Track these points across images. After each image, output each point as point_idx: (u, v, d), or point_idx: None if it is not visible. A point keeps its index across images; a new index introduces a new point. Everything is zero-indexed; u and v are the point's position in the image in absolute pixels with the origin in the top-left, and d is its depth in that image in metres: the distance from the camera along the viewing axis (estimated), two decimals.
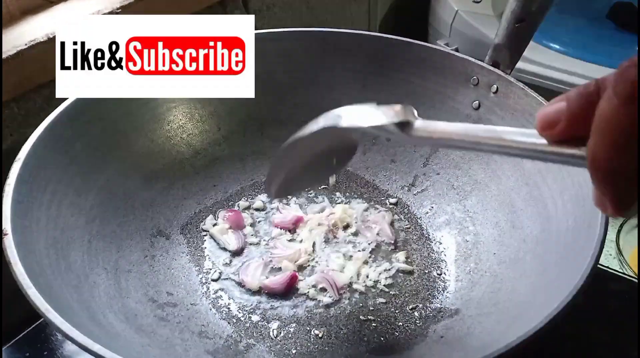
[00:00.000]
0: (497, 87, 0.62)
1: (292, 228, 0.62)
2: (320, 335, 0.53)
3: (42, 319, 0.53)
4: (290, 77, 0.70)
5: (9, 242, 0.43)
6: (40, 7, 0.71)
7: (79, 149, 0.57)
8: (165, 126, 0.66)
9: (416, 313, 0.54)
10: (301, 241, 0.61)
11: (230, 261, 0.60)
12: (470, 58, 0.64)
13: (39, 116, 0.62)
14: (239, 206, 0.66)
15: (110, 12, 0.70)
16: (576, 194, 0.51)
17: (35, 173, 0.51)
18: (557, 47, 1.10)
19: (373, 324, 0.54)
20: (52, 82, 0.69)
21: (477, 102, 0.64)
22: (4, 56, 0.61)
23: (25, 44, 0.64)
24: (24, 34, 0.65)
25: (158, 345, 0.48)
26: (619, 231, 0.74)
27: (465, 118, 0.65)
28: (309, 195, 0.67)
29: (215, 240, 0.62)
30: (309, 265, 0.59)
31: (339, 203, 0.66)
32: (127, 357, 0.37)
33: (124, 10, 0.71)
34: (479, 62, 0.64)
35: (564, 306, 0.39)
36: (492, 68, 0.63)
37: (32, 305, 0.39)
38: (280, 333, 0.53)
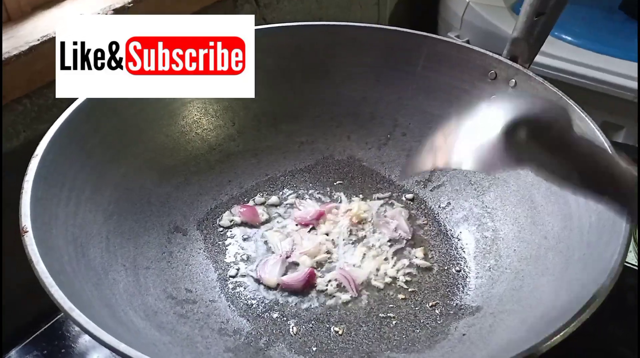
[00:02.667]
0: (516, 82, 0.61)
1: (314, 223, 0.62)
2: (340, 332, 0.52)
3: (57, 316, 0.54)
4: (303, 72, 0.69)
5: (30, 240, 0.43)
6: (51, 2, 0.70)
7: (95, 144, 0.56)
8: (180, 121, 0.66)
9: (436, 311, 0.54)
10: (321, 236, 0.61)
11: (248, 257, 0.59)
12: (488, 52, 0.64)
13: (52, 112, 0.62)
14: (254, 202, 0.65)
15: (122, 7, 0.69)
16: None
17: (53, 169, 0.50)
18: (570, 39, 1.08)
19: (393, 321, 0.53)
20: None
21: (494, 97, 0.63)
22: (16, 52, 0.61)
23: (37, 40, 0.63)
24: (36, 29, 0.65)
25: (179, 342, 0.48)
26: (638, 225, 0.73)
27: None
28: (324, 191, 0.67)
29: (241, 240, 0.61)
30: (327, 262, 0.59)
31: (356, 199, 0.65)
32: (152, 356, 0.37)
33: (135, 4, 0.70)
34: (497, 56, 0.63)
35: (593, 306, 0.39)
36: (510, 62, 0.62)
37: (56, 303, 0.39)
38: (300, 330, 0.53)
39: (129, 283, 0.51)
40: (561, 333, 0.37)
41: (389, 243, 0.60)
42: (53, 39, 0.64)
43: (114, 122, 0.59)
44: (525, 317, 0.47)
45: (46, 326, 0.58)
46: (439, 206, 0.64)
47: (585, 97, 1.02)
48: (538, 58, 1.05)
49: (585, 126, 0.54)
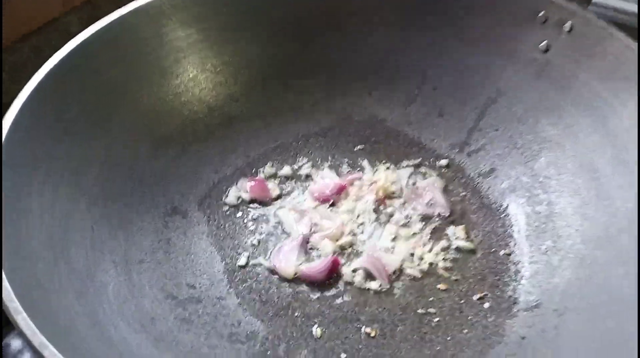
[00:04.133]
0: (572, 26, 0.52)
1: (334, 199, 0.53)
2: (372, 334, 0.45)
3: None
4: (317, 17, 0.59)
5: None
6: None
7: (74, 114, 0.48)
8: (174, 80, 0.57)
9: (486, 305, 0.46)
10: (343, 215, 0.52)
11: (259, 242, 0.51)
12: None
13: (26, 70, 0.53)
14: (263, 174, 0.56)
15: None
16: None
17: (22, 153, 0.43)
18: None
19: (435, 319, 0.45)
20: (41, 29, 0.60)
21: (545, 43, 0.53)
22: None
23: None
24: None
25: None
26: None
27: (531, 62, 0.54)
28: (344, 158, 0.57)
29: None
30: (352, 246, 0.50)
31: (381, 168, 0.56)
32: None
33: None
34: None
35: None
36: (564, 2, 0.52)
37: (23, 337, 0.30)
38: (325, 332, 0.45)
39: (120, 285, 0.43)
40: None
41: (423, 221, 0.52)
42: None
43: (96, 85, 0.50)
44: (601, 319, 0.39)
45: None
46: (480, 174, 0.55)
47: None
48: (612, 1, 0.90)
49: None
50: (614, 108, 0.49)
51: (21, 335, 0.31)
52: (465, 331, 0.44)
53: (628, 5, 0.88)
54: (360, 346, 0.44)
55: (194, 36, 0.56)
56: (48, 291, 0.36)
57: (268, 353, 0.43)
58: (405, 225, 0.52)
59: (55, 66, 0.46)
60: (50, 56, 0.47)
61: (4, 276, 0.33)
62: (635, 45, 0.48)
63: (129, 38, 0.52)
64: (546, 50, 0.54)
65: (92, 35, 0.48)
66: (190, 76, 0.57)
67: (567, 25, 0.52)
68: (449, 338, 0.44)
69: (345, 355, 0.43)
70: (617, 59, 0.49)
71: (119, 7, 0.52)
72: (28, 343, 0.30)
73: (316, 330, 0.45)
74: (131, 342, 0.39)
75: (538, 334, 0.42)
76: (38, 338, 0.30)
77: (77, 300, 0.38)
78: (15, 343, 0.42)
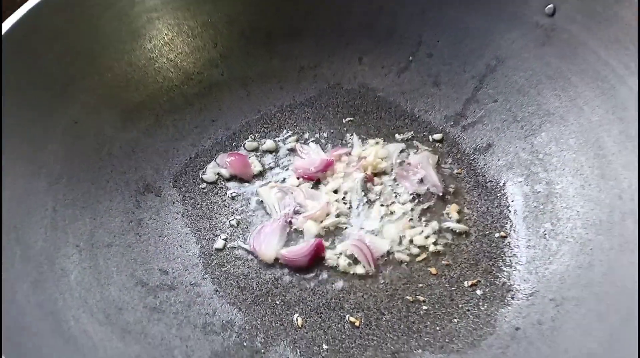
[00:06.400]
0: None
1: (319, 177, 0.50)
2: (356, 324, 0.42)
3: None
4: None
5: None
6: None
7: (32, 81, 0.44)
8: (147, 44, 0.53)
9: (478, 292, 0.43)
10: (329, 194, 0.48)
11: (238, 223, 0.48)
12: None
13: None
14: (245, 149, 0.52)
15: None
16: None
17: None
18: None
19: (424, 307, 0.42)
20: None
21: (551, 6, 0.49)
22: None
23: None
24: None
25: (151, 352, 0.37)
26: None
27: (534, 27, 0.50)
28: (331, 131, 0.54)
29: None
30: (338, 228, 0.47)
31: (371, 142, 0.52)
32: None
33: None
34: None
35: None
36: None
37: None
38: (306, 321, 0.42)
39: (83, 272, 0.40)
40: None
41: (413, 201, 0.48)
42: None
43: (58, 49, 0.46)
44: (604, 312, 0.36)
45: None
46: (476, 150, 0.52)
47: None
48: None
49: None
50: (624, 79, 0.45)
51: None
52: (456, 320, 0.41)
53: None
54: (343, 336, 0.41)
55: None
56: None
57: (245, 344, 0.40)
58: (394, 205, 0.48)
59: (11, 28, 0.42)
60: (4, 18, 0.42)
61: None
62: None
63: None
64: (552, 13, 0.49)
65: None
66: (165, 39, 0.53)
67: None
68: (437, 329, 0.41)
69: (327, 347, 0.41)
70: (629, 26, 0.44)
71: None
72: None
73: (297, 319, 0.42)
74: (93, 335, 0.35)
75: (533, 326, 0.39)
76: None
77: (31, 288, 0.35)
78: None
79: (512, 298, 0.42)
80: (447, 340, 0.40)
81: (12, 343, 0.28)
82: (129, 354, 0.36)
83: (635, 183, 0.41)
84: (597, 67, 0.47)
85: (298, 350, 0.40)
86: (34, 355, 0.28)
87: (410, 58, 0.56)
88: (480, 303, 0.42)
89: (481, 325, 0.41)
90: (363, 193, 0.49)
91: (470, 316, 0.42)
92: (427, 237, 0.46)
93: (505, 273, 0.44)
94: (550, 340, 0.37)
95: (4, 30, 0.42)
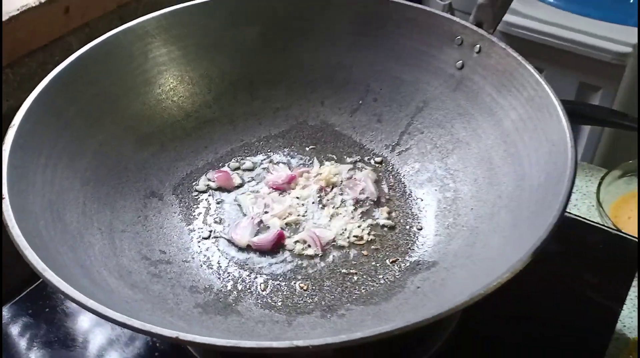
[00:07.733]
0: (480, 47, 0.63)
1: (285, 187, 0.65)
2: (304, 288, 0.56)
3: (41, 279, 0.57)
4: (279, 38, 0.71)
5: (6, 206, 0.46)
6: None
7: (73, 113, 0.59)
8: (157, 89, 0.67)
9: (396, 267, 0.57)
10: (291, 200, 0.63)
11: (221, 220, 0.62)
12: (454, 18, 0.65)
13: (34, 81, 0.65)
14: (229, 167, 0.68)
15: None
16: (549, 151, 0.53)
17: (30, 138, 0.53)
18: (551, 0, 1.09)
19: (355, 277, 0.57)
20: (46, 47, 0.71)
21: (460, 62, 0.65)
22: None
23: (17, 10, 0.66)
24: None
25: (151, 299, 0.51)
26: (599, 184, 0.76)
27: (449, 78, 0.66)
28: (296, 155, 0.69)
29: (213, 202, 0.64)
30: (296, 223, 0.62)
31: (327, 164, 0.68)
32: (120, 311, 0.40)
33: None
34: (463, 22, 0.64)
35: (526, 257, 0.41)
36: (475, 28, 0.63)
37: (30, 265, 0.42)
38: (268, 287, 0.56)
39: (104, 246, 0.54)
40: (494, 284, 0.40)
41: (355, 205, 0.63)
42: (33, 9, 0.67)
43: (91, 91, 0.61)
44: (474, 270, 0.50)
45: (30, 288, 0.62)
46: (406, 169, 0.67)
47: (563, 59, 1.04)
48: (519, 20, 1.07)
49: (541, 90, 0.56)
50: (507, 112, 0.60)
51: (29, 263, 0.42)
52: (377, 285, 0.55)
53: (538, 25, 1.01)
54: (294, 296, 0.55)
55: (175, 53, 0.66)
56: (45, 240, 0.47)
57: (220, 300, 0.54)
58: (341, 207, 0.63)
59: (57, 75, 0.57)
60: (53, 69, 0.58)
61: (14, 221, 0.44)
62: (522, 59, 0.59)
63: (119, 54, 0.63)
64: (461, 67, 0.65)
65: (88, 50, 0.60)
66: (171, 86, 0.68)
67: (477, 47, 0.64)
68: (363, 290, 0.55)
69: (281, 303, 0.54)
70: (511, 73, 0.60)
71: (112, 28, 0.64)
72: (34, 269, 0.41)
73: (260, 285, 0.56)
74: (111, 283, 0.49)
75: (430, 285, 0.53)
76: (40, 265, 0.41)
77: (69, 249, 0.49)
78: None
79: (420, 269, 0.56)
80: (368, 297, 0.54)
81: (60, 274, 0.43)
82: (135, 298, 0.50)
83: (509, 185, 0.57)
84: (491, 105, 0.62)
85: (259, 305, 0.54)
86: (75, 286, 0.42)
87: (360, 102, 0.72)
88: (396, 273, 0.56)
89: (394, 287, 0.55)
90: (318, 199, 0.64)
91: (388, 282, 0.56)
92: (363, 230, 0.61)
93: (417, 253, 0.58)
94: (438, 291, 0.51)
95: (53, 76, 0.58)
